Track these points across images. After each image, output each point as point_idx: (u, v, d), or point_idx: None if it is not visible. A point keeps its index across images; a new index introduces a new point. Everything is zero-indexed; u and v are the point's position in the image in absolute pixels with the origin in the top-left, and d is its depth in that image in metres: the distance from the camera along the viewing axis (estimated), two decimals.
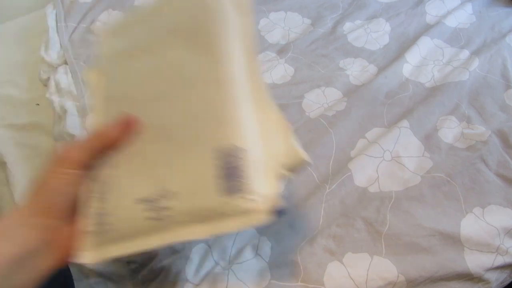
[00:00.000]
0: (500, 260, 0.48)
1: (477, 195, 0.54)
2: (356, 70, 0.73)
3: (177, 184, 0.29)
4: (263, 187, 0.28)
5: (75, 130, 0.61)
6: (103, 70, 0.38)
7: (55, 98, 0.67)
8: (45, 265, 0.32)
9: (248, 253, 0.49)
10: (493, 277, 0.49)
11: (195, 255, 0.49)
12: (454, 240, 0.49)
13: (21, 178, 0.62)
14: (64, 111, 0.64)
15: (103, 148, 0.34)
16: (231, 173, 0.28)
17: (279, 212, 0.29)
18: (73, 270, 0.48)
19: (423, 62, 0.76)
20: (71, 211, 0.33)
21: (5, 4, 1.06)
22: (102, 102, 0.36)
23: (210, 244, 0.49)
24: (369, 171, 0.57)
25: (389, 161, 0.58)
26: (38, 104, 0.72)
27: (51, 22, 0.80)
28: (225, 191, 0.27)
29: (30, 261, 0.31)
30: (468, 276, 0.48)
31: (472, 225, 0.51)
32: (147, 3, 0.39)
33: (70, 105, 0.65)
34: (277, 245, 0.50)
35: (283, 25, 0.84)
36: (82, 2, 0.85)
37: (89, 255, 0.31)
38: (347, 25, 0.84)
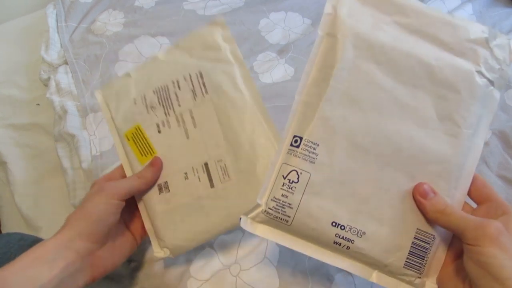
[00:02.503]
0: None
1: None
2: None
3: (375, 232, 0.34)
4: (432, 276, 0.35)
5: (75, 130, 0.61)
6: (344, 47, 0.35)
7: (56, 98, 0.67)
8: (80, 282, 0.37)
9: (255, 257, 0.48)
10: None
11: (199, 257, 0.48)
12: None
13: (21, 178, 0.63)
14: (65, 111, 0.64)
15: (139, 189, 0.42)
16: (419, 253, 0.34)
17: None
18: None
19: None
20: (106, 236, 0.39)
21: (5, 4, 1.06)
22: (338, 94, 0.35)
23: (215, 247, 0.49)
24: None
25: None
26: (38, 104, 0.72)
27: (52, 22, 0.80)
28: (410, 265, 0.34)
29: (69, 280, 0.36)
30: None
31: None
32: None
33: (70, 105, 0.65)
34: (286, 248, 0.49)
35: (284, 25, 0.84)
36: (82, 2, 0.85)
37: (250, 223, 0.34)
38: None
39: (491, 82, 0.36)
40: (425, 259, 0.34)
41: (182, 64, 0.45)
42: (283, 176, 0.34)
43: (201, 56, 0.44)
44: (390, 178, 0.34)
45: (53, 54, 0.74)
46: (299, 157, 0.34)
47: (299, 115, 0.36)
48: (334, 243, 0.34)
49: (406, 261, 0.34)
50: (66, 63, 0.73)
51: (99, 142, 0.60)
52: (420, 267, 0.34)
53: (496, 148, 0.59)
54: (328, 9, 0.36)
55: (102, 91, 0.48)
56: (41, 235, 0.55)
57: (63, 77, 0.70)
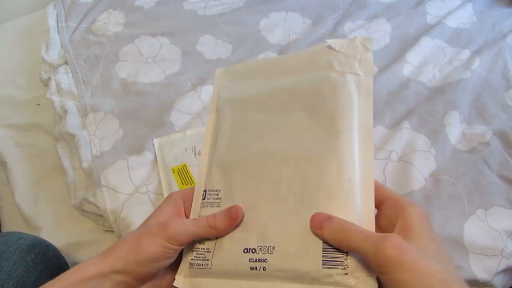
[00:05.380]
0: (504, 263, 0.48)
1: (480, 196, 0.54)
2: None
3: (283, 242, 0.34)
4: (360, 266, 0.31)
5: (75, 130, 0.61)
6: (222, 112, 0.42)
7: (56, 98, 0.67)
8: None
9: None
10: (498, 281, 0.48)
11: None
12: (459, 245, 0.49)
13: (21, 178, 0.63)
14: (65, 111, 0.64)
15: (206, 237, 0.36)
16: (337, 248, 0.31)
17: None
18: None
19: (424, 62, 0.76)
20: (152, 276, 0.36)
21: (6, 4, 1.06)
22: (224, 144, 0.40)
23: None
24: (376, 172, 0.56)
25: (395, 161, 0.57)
26: (38, 104, 0.72)
27: (52, 22, 0.80)
28: (329, 264, 0.31)
29: None
30: (474, 282, 0.48)
31: (475, 228, 0.51)
32: (271, 57, 0.43)
33: (70, 105, 0.65)
34: None
35: (284, 25, 0.84)
36: (82, 2, 0.85)
37: (182, 282, 0.36)
38: (348, 25, 0.84)
39: (356, 74, 0.39)
40: (344, 251, 0.31)
41: None
42: None
43: None
44: (284, 192, 0.35)
45: (53, 54, 0.74)
46: (207, 206, 0.38)
47: (203, 173, 0.40)
48: (251, 269, 0.34)
49: (323, 260, 0.31)
50: (66, 63, 0.73)
51: (99, 142, 0.60)
52: (342, 261, 0.31)
53: (497, 148, 0.59)
54: (213, 94, 0.45)
55: (160, 139, 0.59)
56: (41, 235, 0.55)
57: (63, 77, 0.70)
